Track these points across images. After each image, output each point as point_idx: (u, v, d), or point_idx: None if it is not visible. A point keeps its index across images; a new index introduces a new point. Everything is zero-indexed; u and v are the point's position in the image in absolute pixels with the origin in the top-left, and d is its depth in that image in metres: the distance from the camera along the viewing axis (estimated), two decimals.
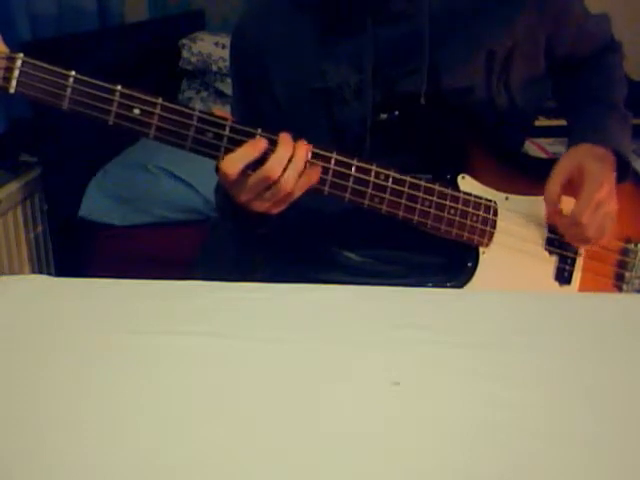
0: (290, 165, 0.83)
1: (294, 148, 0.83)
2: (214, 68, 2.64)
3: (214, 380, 0.67)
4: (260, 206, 0.85)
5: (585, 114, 1.08)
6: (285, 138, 0.83)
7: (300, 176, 0.84)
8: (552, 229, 1.03)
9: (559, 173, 0.97)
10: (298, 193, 0.85)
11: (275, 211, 0.87)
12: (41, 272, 2.01)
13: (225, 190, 0.87)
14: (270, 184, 0.83)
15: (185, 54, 2.65)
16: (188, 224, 2.03)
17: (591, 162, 0.96)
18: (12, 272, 1.90)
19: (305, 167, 0.84)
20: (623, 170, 1.00)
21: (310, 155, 0.86)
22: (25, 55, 0.77)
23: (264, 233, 0.97)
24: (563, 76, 1.12)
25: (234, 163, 0.82)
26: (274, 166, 0.82)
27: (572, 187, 0.97)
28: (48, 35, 2.00)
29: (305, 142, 0.85)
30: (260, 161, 0.83)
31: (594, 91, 1.10)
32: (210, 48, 2.64)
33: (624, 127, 1.06)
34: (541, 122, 2.08)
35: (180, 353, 0.72)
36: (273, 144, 0.83)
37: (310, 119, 1.00)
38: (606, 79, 1.11)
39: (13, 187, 1.90)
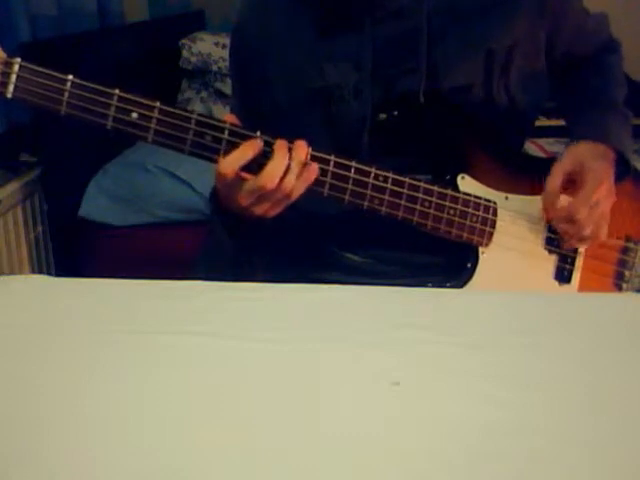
0: (288, 170, 0.83)
1: (291, 153, 0.83)
2: (214, 68, 2.64)
3: (214, 380, 0.67)
4: (259, 209, 0.85)
5: (585, 113, 1.08)
6: (281, 146, 0.83)
7: (298, 178, 0.84)
8: (552, 228, 1.03)
9: (560, 168, 0.97)
10: (297, 195, 0.85)
11: (272, 213, 0.87)
12: (41, 272, 2.01)
13: (220, 196, 0.88)
14: (268, 191, 0.83)
15: (185, 54, 2.65)
16: (188, 224, 2.03)
17: (592, 160, 0.97)
18: (12, 272, 1.90)
19: (303, 168, 0.84)
20: (623, 168, 1.00)
21: (309, 157, 0.86)
22: (25, 56, 0.77)
23: (257, 238, 0.98)
24: (563, 76, 1.12)
25: (230, 164, 0.82)
26: (271, 175, 0.82)
27: (571, 185, 0.97)
28: (48, 36, 2.00)
29: (304, 143, 0.85)
30: (259, 165, 0.83)
31: (594, 91, 1.10)
32: (210, 48, 2.64)
33: (624, 125, 1.06)
34: (541, 122, 2.07)
35: (180, 353, 0.72)
36: (270, 147, 0.83)
37: (309, 118, 1.00)
38: (606, 79, 1.11)
39: (13, 187, 1.90)
